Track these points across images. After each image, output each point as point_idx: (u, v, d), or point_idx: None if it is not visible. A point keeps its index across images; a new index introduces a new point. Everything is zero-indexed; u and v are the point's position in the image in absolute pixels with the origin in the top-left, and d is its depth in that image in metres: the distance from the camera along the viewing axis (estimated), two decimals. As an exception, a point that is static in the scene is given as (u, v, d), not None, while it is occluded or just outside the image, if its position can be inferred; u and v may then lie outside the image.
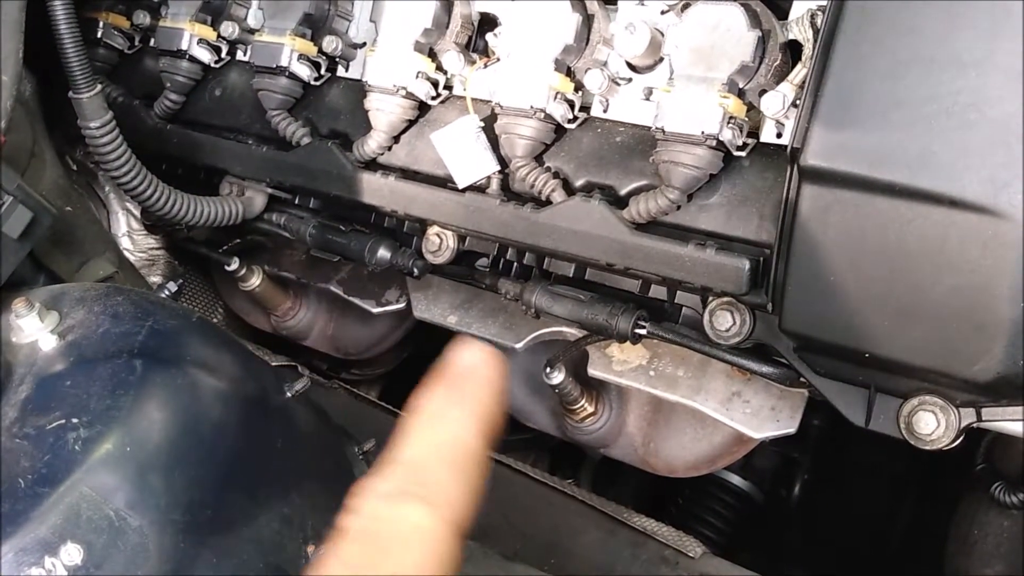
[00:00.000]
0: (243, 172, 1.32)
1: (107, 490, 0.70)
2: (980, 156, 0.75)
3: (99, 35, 1.43)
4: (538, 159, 1.09)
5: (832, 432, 1.62)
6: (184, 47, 1.33)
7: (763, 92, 0.91)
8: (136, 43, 1.45)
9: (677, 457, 1.29)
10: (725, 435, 1.23)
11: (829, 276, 0.84)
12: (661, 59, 1.00)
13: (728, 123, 0.92)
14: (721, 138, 0.92)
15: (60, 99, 1.15)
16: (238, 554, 0.76)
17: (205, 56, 1.34)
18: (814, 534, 1.76)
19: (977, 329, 0.79)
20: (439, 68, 1.15)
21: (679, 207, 0.98)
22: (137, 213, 1.54)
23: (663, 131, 0.95)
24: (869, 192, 0.80)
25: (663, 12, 1.00)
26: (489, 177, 1.11)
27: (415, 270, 1.23)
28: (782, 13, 0.95)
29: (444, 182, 1.14)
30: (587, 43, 1.04)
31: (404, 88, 1.14)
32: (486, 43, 1.11)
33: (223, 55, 1.35)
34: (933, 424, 0.88)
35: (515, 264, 1.21)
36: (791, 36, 0.93)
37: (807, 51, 0.92)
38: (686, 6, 0.97)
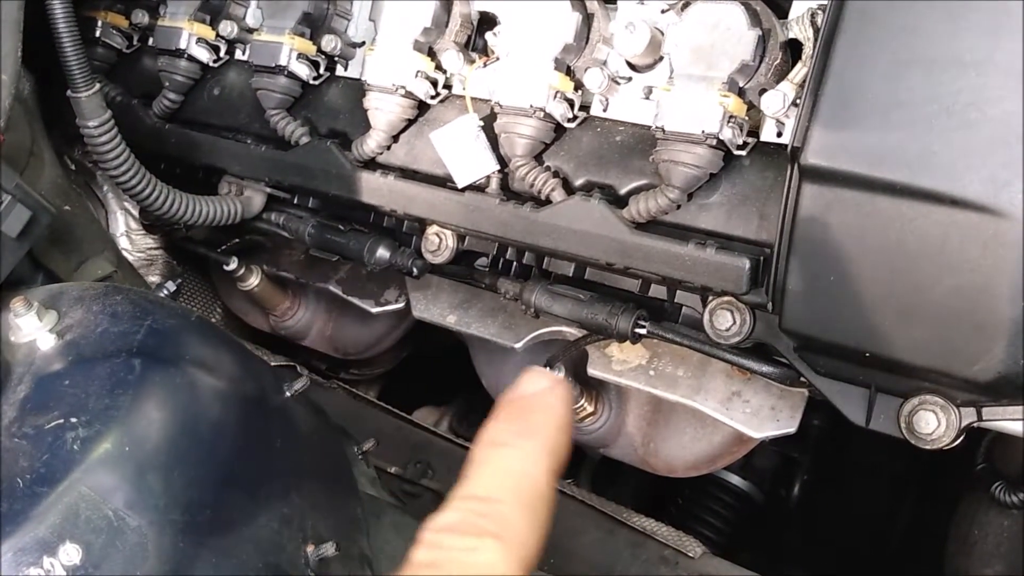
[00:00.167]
0: (242, 171, 1.32)
1: (106, 490, 0.69)
2: (981, 155, 0.75)
3: (98, 34, 1.43)
4: (538, 158, 1.09)
5: (832, 432, 1.62)
6: (183, 46, 1.32)
7: (763, 91, 0.91)
8: (135, 42, 1.45)
9: (677, 457, 1.29)
10: (725, 435, 1.23)
11: (829, 275, 0.84)
12: (661, 58, 1.00)
13: (728, 122, 0.92)
14: (721, 137, 0.92)
15: (59, 98, 1.15)
16: (237, 554, 0.76)
17: (204, 55, 1.34)
18: (814, 534, 1.77)
19: (977, 328, 0.79)
20: (438, 67, 1.15)
21: (679, 206, 0.98)
22: (135, 213, 1.54)
23: (663, 130, 0.95)
24: (870, 191, 0.80)
25: (663, 11, 1.00)
26: (488, 176, 1.10)
27: (414, 270, 1.23)
28: (782, 12, 0.95)
29: (443, 181, 1.14)
30: (587, 42, 1.04)
31: (403, 87, 1.14)
32: (485, 42, 1.11)
33: (222, 54, 1.35)
34: (934, 424, 0.88)
35: (514, 263, 1.21)
36: (791, 35, 0.93)
37: (807, 50, 0.91)
38: (686, 5, 0.97)
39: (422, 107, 1.18)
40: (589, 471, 1.64)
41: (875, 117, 0.79)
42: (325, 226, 1.29)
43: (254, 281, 1.50)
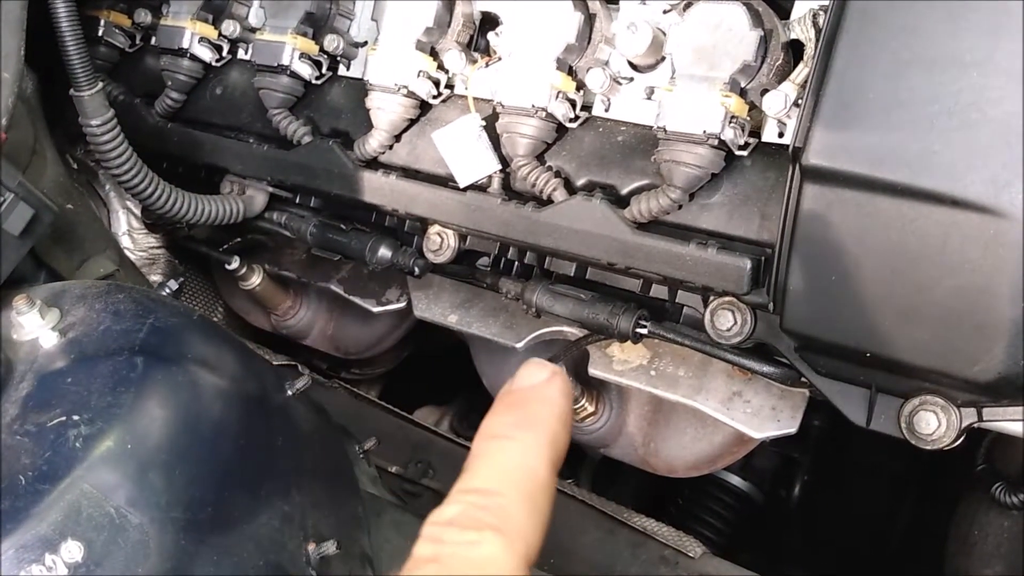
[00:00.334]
0: (244, 171, 1.32)
1: (108, 487, 0.70)
2: (981, 156, 0.76)
3: (100, 33, 1.43)
4: (539, 158, 1.09)
5: (833, 432, 1.62)
6: (185, 45, 1.33)
7: (765, 91, 0.91)
8: (137, 41, 1.45)
9: (677, 457, 1.29)
10: (725, 435, 1.23)
11: (830, 276, 0.84)
12: (663, 58, 1.00)
13: (730, 122, 0.92)
14: (723, 137, 0.92)
15: (61, 97, 1.15)
16: (238, 552, 0.76)
17: (206, 55, 1.34)
18: (814, 534, 1.77)
19: (978, 329, 0.79)
20: (440, 67, 1.15)
21: (680, 206, 0.98)
22: (138, 212, 1.54)
23: (665, 130, 0.95)
24: (871, 192, 0.80)
25: (665, 11, 1.00)
26: (490, 176, 1.11)
27: (416, 269, 1.23)
28: (784, 12, 0.95)
29: (445, 181, 1.14)
30: (589, 42, 1.04)
31: (405, 87, 1.14)
32: (487, 42, 1.11)
33: (224, 54, 1.35)
34: (934, 424, 0.88)
35: (516, 263, 1.21)
36: (793, 36, 0.93)
37: (809, 50, 0.92)
38: (688, 5, 0.97)
39: (424, 107, 1.19)
40: (589, 471, 1.64)
41: (876, 118, 0.79)
42: (327, 225, 1.30)
43: (256, 280, 1.50)
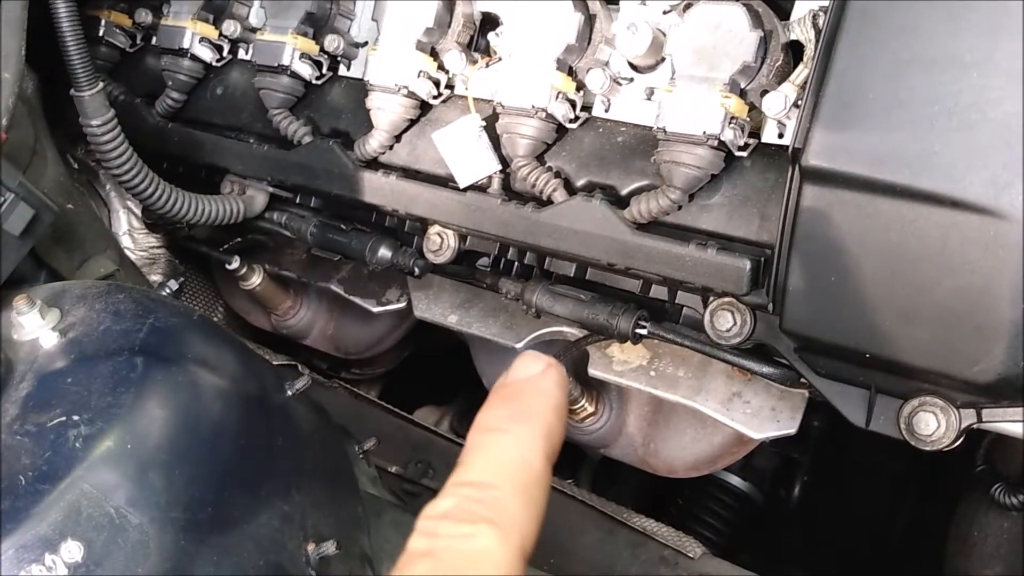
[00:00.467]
0: (244, 171, 1.32)
1: (108, 487, 0.70)
2: (981, 157, 0.76)
3: (101, 33, 1.43)
4: (539, 159, 1.09)
5: (832, 433, 1.62)
6: (186, 45, 1.33)
7: (765, 92, 0.91)
8: (138, 41, 1.46)
9: (677, 457, 1.29)
10: (725, 435, 1.23)
11: (830, 277, 0.84)
12: (663, 59, 1.00)
13: (730, 123, 0.92)
14: (723, 138, 0.92)
15: (62, 97, 1.15)
16: (238, 552, 0.76)
17: (207, 55, 1.34)
18: (814, 535, 1.77)
19: (978, 330, 0.79)
20: (441, 67, 1.15)
21: (680, 207, 0.98)
22: (138, 211, 1.54)
23: (665, 131, 0.95)
24: (870, 193, 0.80)
25: (665, 12, 1.00)
26: (490, 176, 1.11)
27: (416, 269, 1.23)
28: (784, 13, 0.95)
29: (445, 181, 1.14)
30: (589, 43, 1.04)
31: (406, 87, 1.14)
32: (488, 42, 1.11)
33: (225, 54, 1.35)
34: (934, 425, 0.88)
35: (516, 264, 1.21)
36: (793, 36, 0.93)
37: (809, 51, 0.92)
38: (688, 6, 0.97)
39: (424, 107, 1.19)
40: (589, 471, 1.65)
41: (876, 118, 0.79)
42: (327, 225, 1.30)
43: (256, 280, 1.50)
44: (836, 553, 1.74)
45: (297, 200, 1.35)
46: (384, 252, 1.24)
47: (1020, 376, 0.79)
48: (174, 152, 1.36)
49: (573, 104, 1.05)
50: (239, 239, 1.50)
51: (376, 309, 1.43)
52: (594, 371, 1.20)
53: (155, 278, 1.55)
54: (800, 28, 0.92)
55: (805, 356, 0.95)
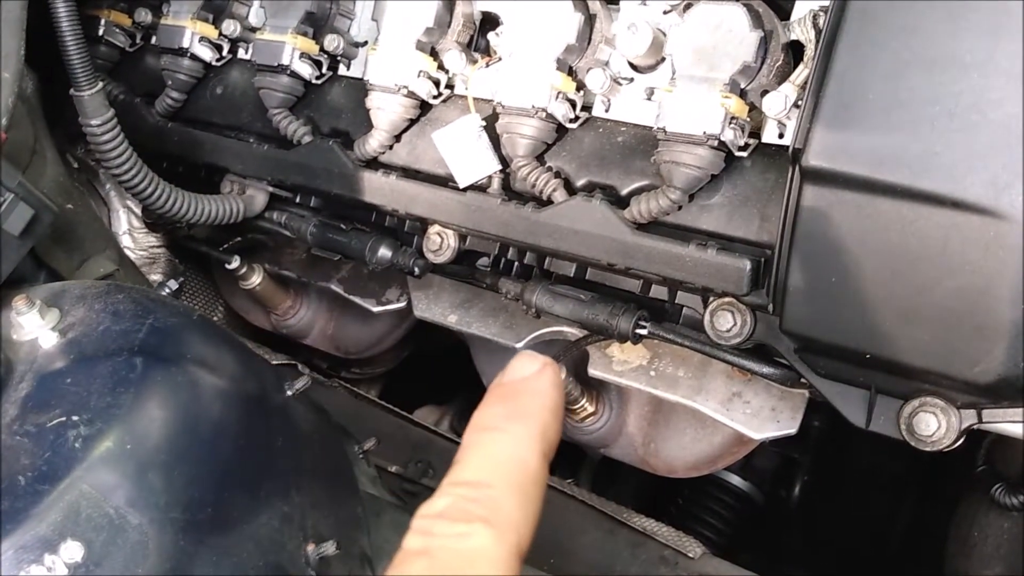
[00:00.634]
0: (244, 170, 1.32)
1: (107, 488, 0.70)
2: (982, 158, 0.75)
3: (100, 33, 1.43)
4: (539, 159, 1.09)
5: (832, 433, 1.62)
6: (186, 45, 1.33)
7: (765, 92, 0.91)
8: (138, 41, 1.45)
9: (677, 457, 1.29)
10: (725, 435, 1.23)
11: (830, 277, 0.84)
12: (663, 59, 1.00)
13: (730, 123, 0.92)
14: (723, 138, 0.92)
15: (61, 97, 1.15)
16: (238, 552, 0.76)
17: (206, 54, 1.34)
18: (814, 535, 1.76)
19: (978, 330, 0.79)
20: (441, 67, 1.15)
21: (680, 207, 0.98)
22: (138, 211, 1.54)
23: (665, 131, 0.95)
24: (871, 193, 0.80)
25: (665, 12, 1.00)
26: (490, 176, 1.11)
27: (416, 269, 1.23)
28: (784, 14, 0.95)
29: (445, 181, 1.14)
30: (589, 43, 1.04)
31: (406, 87, 1.14)
32: (488, 42, 1.11)
33: (224, 53, 1.35)
34: (934, 425, 0.88)
35: (516, 264, 1.21)
36: (793, 37, 0.93)
37: (809, 52, 0.92)
38: (688, 6, 0.97)
39: (424, 107, 1.19)
40: (589, 471, 1.65)
41: (876, 119, 0.79)
42: (327, 225, 1.30)
43: (256, 280, 1.50)
44: (836, 553, 1.73)
45: (297, 200, 1.35)
46: (384, 252, 1.24)
47: (1020, 377, 0.79)
48: (174, 152, 1.36)
49: (573, 104, 1.05)
50: (239, 239, 1.50)
51: (376, 309, 1.43)
52: (594, 371, 1.20)
53: (155, 278, 1.55)
54: (800, 28, 0.92)
55: (805, 356, 0.95)
